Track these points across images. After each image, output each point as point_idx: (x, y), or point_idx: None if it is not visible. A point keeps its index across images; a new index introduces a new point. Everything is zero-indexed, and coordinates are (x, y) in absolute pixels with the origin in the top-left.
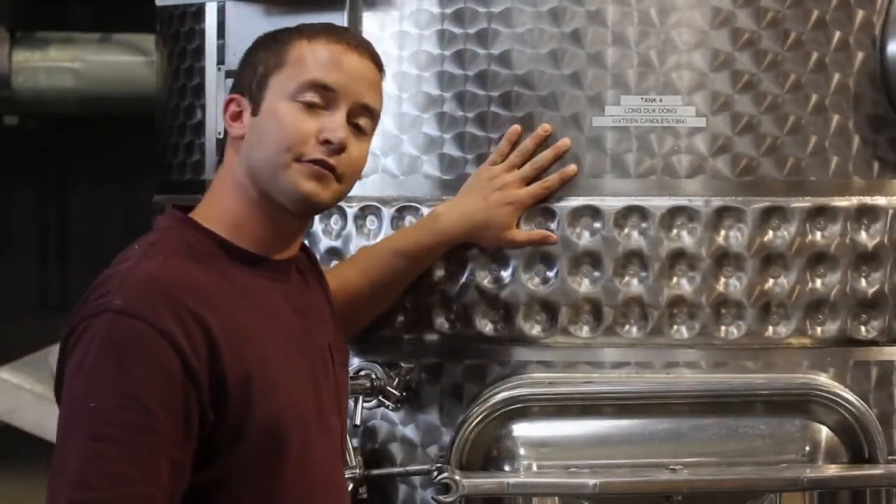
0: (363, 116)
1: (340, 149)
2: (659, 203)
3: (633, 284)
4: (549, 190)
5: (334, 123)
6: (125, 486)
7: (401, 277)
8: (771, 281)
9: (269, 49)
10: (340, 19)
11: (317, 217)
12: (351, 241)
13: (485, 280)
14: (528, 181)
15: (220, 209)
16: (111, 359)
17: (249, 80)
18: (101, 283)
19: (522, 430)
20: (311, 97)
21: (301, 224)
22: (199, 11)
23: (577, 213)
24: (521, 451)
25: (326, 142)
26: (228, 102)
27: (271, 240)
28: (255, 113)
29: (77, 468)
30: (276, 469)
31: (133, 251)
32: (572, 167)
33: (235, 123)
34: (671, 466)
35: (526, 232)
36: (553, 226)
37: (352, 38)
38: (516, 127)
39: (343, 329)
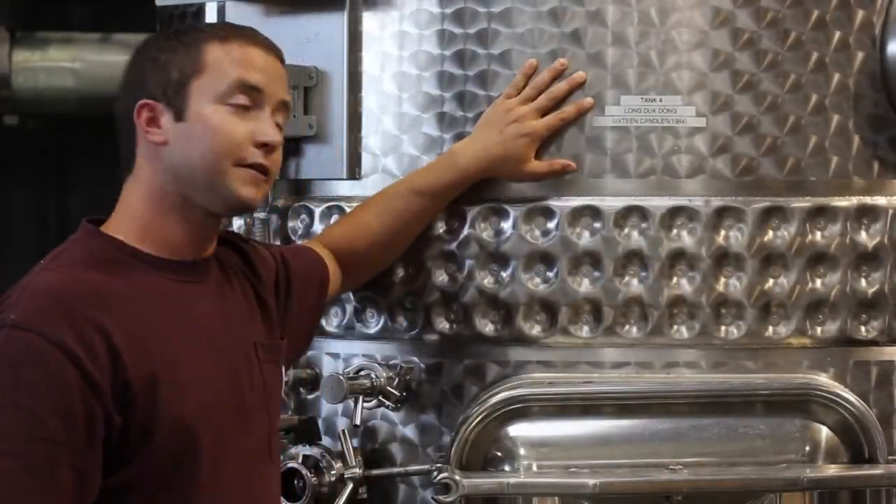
0: (281, 113)
1: (274, 150)
2: (659, 203)
3: (633, 284)
4: (565, 121)
5: (267, 126)
6: (18, 499)
7: (419, 217)
8: (771, 281)
9: (177, 52)
10: (340, 19)
11: (317, 218)
12: None
13: (485, 280)
14: (544, 113)
15: (129, 217)
16: (6, 373)
17: (161, 84)
18: (4, 299)
19: (522, 430)
20: (242, 99)
21: (217, 224)
22: (199, 11)
23: (577, 213)
24: (521, 451)
25: (264, 145)
26: (141, 108)
27: (185, 243)
28: (179, 118)
29: None
30: (189, 470)
31: (39, 265)
32: (589, 100)
33: (152, 129)
34: (671, 466)
35: (546, 162)
36: (552, 225)
37: (261, 37)
38: (532, 61)
39: (302, 334)
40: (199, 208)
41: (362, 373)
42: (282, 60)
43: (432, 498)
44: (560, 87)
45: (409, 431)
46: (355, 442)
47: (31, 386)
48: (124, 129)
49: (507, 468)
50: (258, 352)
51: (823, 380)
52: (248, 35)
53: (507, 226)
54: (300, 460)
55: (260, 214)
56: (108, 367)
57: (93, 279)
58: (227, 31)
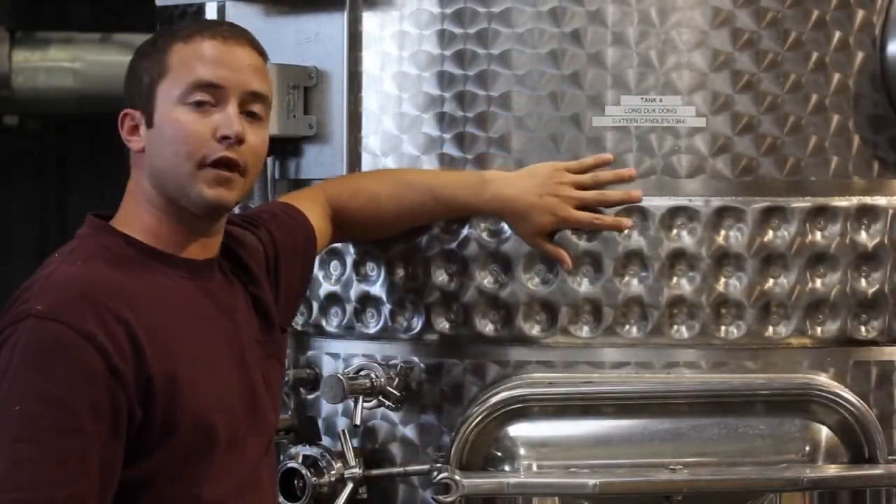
0: (255, 103)
1: (239, 141)
2: (659, 203)
3: (633, 284)
4: (597, 227)
5: (227, 118)
6: (50, 488)
7: (427, 216)
8: (771, 281)
9: (149, 58)
10: (340, 19)
11: None
12: None
13: (485, 280)
14: (583, 207)
15: (134, 217)
16: (33, 363)
17: (137, 91)
18: (23, 291)
19: (522, 430)
20: (200, 97)
21: (214, 224)
22: (199, 11)
23: None
24: (521, 451)
25: (224, 137)
26: (123, 117)
27: (186, 242)
28: (150, 125)
29: (2, 472)
30: (205, 464)
31: (53, 259)
32: (628, 222)
33: (133, 137)
34: (671, 466)
35: (554, 246)
36: None
37: (226, 30)
38: (609, 156)
39: (291, 310)
40: (185, 210)
41: (362, 373)
42: (258, 51)
43: (432, 498)
44: (614, 195)
45: (409, 431)
46: (355, 442)
47: (61, 377)
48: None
49: (507, 468)
50: (258, 349)
51: (823, 380)
52: (212, 29)
53: (507, 226)
54: (300, 460)
55: None
56: (132, 360)
57: (112, 275)
58: (192, 30)
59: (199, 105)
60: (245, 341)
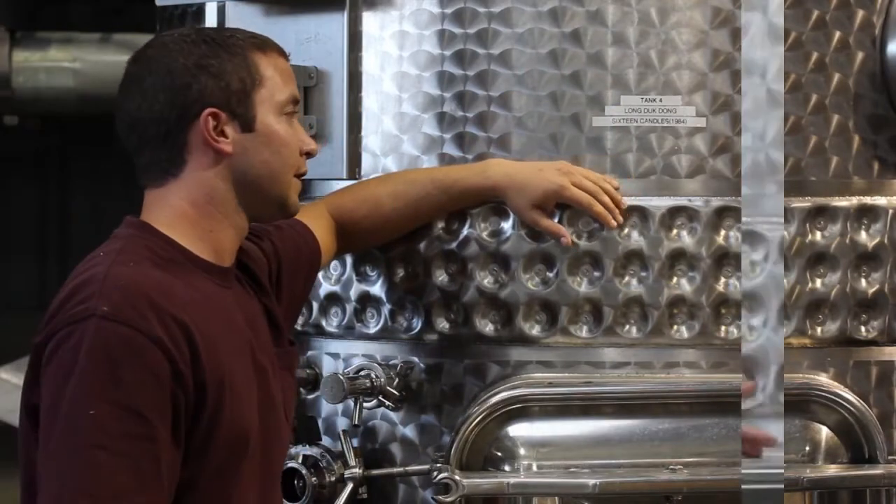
0: None
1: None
2: (659, 203)
3: (633, 284)
4: (590, 209)
5: (306, 135)
6: (128, 497)
7: (432, 210)
8: None
9: (227, 60)
10: (340, 19)
11: None
12: None
13: (485, 280)
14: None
15: (180, 219)
16: (103, 367)
17: (222, 93)
18: (78, 289)
19: (522, 430)
20: (290, 110)
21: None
22: (200, 11)
23: (577, 213)
24: (521, 451)
25: (308, 154)
26: (207, 116)
27: (229, 249)
28: (248, 129)
29: (79, 479)
30: (233, 473)
31: (99, 258)
32: (614, 223)
33: (221, 139)
34: (671, 466)
35: (554, 223)
36: None
37: (280, 47)
38: (617, 184)
39: (291, 323)
40: (247, 216)
41: (362, 373)
42: None
43: (432, 498)
44: (606, 198)
45: (409, 431)
46: (355, 442)
47: (131, 381)
48: (162, 133)
49: (507, 468)
50: (277, 360)
51: (823, 380)
52: (277, 46)
53: (507, 226)
54: (300, 460)
55: None
56: (190, 363)
57: (165, 278)
58: (260, 40)
59: (289, 118)
60: (265, 352)
